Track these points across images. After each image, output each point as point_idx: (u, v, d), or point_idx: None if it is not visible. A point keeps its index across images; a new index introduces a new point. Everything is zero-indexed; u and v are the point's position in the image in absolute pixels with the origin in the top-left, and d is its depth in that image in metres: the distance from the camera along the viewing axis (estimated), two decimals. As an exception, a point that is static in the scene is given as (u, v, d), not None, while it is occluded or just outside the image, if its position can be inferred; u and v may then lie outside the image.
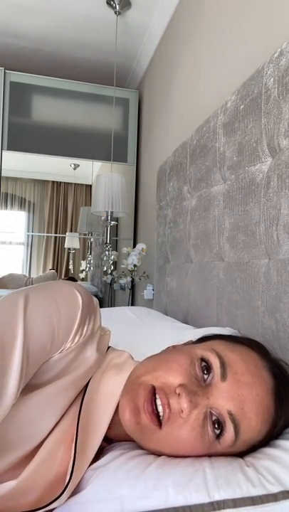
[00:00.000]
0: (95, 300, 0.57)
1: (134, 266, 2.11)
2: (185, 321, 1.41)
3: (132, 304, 2.55)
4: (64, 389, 0.51)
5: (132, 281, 2.24)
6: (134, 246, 2.54)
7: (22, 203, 3.08)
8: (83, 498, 0.46)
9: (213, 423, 0.48)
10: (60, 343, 0.50)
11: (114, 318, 1.40)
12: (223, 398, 0.48)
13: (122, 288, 2.66)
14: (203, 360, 0.51)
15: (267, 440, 0.51)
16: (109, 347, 0.63)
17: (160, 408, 0.48)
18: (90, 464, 0.52)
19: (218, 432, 0.48)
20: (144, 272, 2.19)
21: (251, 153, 0.98)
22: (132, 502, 0.43)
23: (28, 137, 2.58)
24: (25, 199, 3.09)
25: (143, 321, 1.36)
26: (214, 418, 0.48)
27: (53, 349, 0.49)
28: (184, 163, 1.47)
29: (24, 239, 3.13)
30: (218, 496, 0.43)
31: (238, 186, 1.04)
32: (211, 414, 0.48)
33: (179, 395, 0.47)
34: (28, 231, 3.16)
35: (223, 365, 0.50)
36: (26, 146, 2.57)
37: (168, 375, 0.50)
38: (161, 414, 0.48)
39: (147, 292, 2.13)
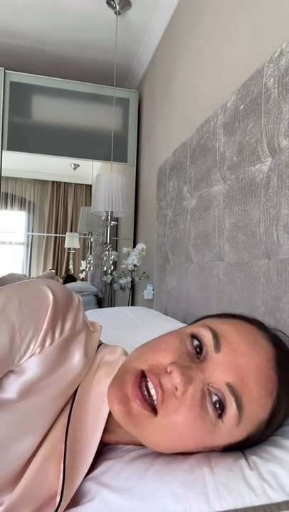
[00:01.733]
0: (76, 297, 0.53)
1: (134, 266, 2.11)
2: (185, 321, 1.41)
3: (132, 304, 2.55)
4: (49, 402, 0.47)
5: (132, 281, 2.24)
6: (134, 246, 2.54)
7: (22, 203, 3.08)
8: (80, 511, 0.45)
9: (214, 404, 0.43)
10: (25, 345, 0.45)
11: (114, 318, 1.40)
12: (220, 370, 0.44)
13: (122, 288, 2.66)
14: (193, 336, 0.47)
15: (273, 420, 0.47)
16: (101, 344, 0.59)
17: (153, 392, 0.44)
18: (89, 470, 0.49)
19: (219, 411, 0.43)
20: (144, 272, 2.19)
21: (251, 153, 0.98)
22: (130, 510, 0.42)
23: (28, 137, 2.58)
24: (25, 199, 3.09)
25: (143, 321, 1.36)
26: (215, 399, 0.44)
27: (15, 353, 0.45)
28: (184, 163, 1.47)
29: (24, 239, 3.13)
30: (218, 506, 0.41)
31: (238, 186, 1.04)
32: (209, 391, 0.44)
33: (170, 372, 0.43)
34: (28, 231, 3.16)
35: (216, 336, 0.46)
36: (26, 146, 2.57)
37: (156, 356, 0.46)
38: (154, 398, 0.44)
39: (147, 292, 2.13)
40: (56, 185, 3.16)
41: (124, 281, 2.23)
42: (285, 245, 0.83)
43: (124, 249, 2.20)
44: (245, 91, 1.00)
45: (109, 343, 0.64)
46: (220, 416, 0.44)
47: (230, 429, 0.44)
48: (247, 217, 0.99)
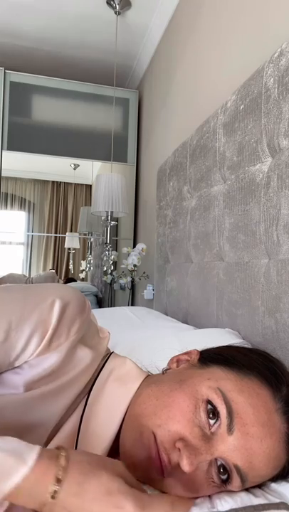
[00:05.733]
0: (87, 303, 0.54)
1: (134, 266, 2.11)
2: (185, 321, 1.41)
3: (132, 304, 2.55)
4: (53, 394, 0.49)
5: (132, 281, 2.24)
6: (134, 246, 2.54)
7: (22, 203, 3.08)
8: None
9: (219, 468, 0.45)
10: (22, 343, 0.47)
11: (114, 318, 1.40)
12: (230, 452, 0.44)
13: (122, 288, 2.66)
14: (209, 402, 0.47)
15: (277, 477, 0.49)
16: (111, 353, 0.60)
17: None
18: None
19: (224, 477, 0.45)
20: (144, 272, 2.19)
21: (251, 153, 0.98)
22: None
23: (28, 137, 2.58)
24: (25, 199, 3.09)
25: (143, 321, 1.36)
26: (219, 463, 0.45)
27: (10, 348, 0.46)
28: (184, 163, 1.47)
29: (24, 239, 3.12)
30: (220, 507, 0.44)
31: (238, 186, 1.04)
32: (216, 459, 0.45)
33: (179, 449, 0.44)
34: (28, 231, 3.16)
35: (230, 415, 0.45)
36: (26, 146, 2.57)
37: (168, 426, 0.46)
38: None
39: (147, 292, 2.13)
40: (56, 185, 3.16)
41: (124, 281, 2.23)
42: (285, 245, 0.83)
43: (124, 249, 2.20)
44: (245, 91, 1.00)
45: (110, 343, 0.64)
46: (224, 483, 0.46)
47: (234, 490, 0.47)
48: (247, 217, 0.99)
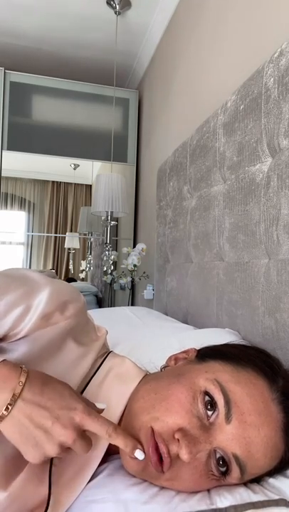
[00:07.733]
0: (82, 298, 0.55)
1: (134, 266, 2.11)
2: (185, 321, 1.41)
3: (132, 304, 2.55)
4: None
5: (132, 281, 2.24)
6: (134, 246, 2.54)
7: (22, 203, 3.08)
8: (87, 497, 0.46)
9: (218, 460, 0.46)
10: (4, 309, 0.47)
11: (114, 318, 1.40)
12: (228, 441, 0.45)
13: (122, 288, 2.66)
14: (206, 393, 0.47)
15: (277, 472, 0.50)
16: (110, 352, 0.60)
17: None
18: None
19: (223, 469, 0.46)
20: (144, 272, 2.19)
21: (251, 153, 0.98)
22: (137, 506, 0.43)
23: (28, 137, 2.58)
24: (25, 199, 3.09)
25: (143, 321, 1.36)
26: (218, 456, 0.46)
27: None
28: (184, 163, 1.47)
29: (24, 239, 3.13)
30: (220, 503, 0.44)
31: (238, 186, 1.04)
32: (215, 451, 0.46)
33: (178, 440, 0.44)
34: (28, 231, 3.16)
35: (227, 404, 0.46)
36: (26, 146, 2.57)
37: (167, 417, 0.46)
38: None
39: (147, 292, 2.13)
40: (56, 185, 3.16)
41: (124, 281, 2.23)
42: (285, 245, 0.83)
43: (124, 249, 2.20)
44: (245, 91, 1.00)
45: (109, 342, 0.64)
46: (223, 475, 0.46)
47: (231, 483, 0.48)
48: (247, 217, 0.99)
